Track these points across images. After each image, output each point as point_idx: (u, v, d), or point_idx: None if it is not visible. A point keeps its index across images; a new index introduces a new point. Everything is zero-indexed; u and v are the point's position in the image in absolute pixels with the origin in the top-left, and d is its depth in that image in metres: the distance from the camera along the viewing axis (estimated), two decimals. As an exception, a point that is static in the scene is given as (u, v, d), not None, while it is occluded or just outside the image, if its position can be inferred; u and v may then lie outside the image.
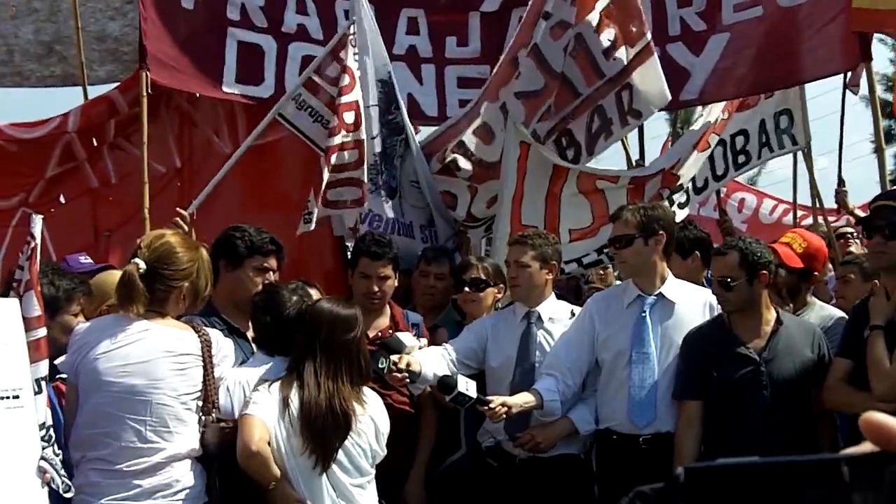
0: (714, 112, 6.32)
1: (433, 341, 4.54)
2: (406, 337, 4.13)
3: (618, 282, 5.47)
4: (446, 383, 3.91)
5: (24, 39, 6.89)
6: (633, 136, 7.15)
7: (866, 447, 0.66)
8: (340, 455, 3.43)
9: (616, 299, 4.34)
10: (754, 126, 6.46)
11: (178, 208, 4.91)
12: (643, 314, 4.19)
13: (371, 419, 3.52)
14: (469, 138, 5.61)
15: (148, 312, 3.37)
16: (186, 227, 4.57)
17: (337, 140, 5.15)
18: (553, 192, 5.59)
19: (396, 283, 4.59)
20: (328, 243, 5.96)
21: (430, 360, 4.09)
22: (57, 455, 3.12)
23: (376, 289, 4.44)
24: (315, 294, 3.94)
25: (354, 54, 5.31)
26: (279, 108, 5.44)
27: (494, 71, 5.76)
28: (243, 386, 3.52)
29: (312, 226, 5.09)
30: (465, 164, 5.58)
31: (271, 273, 4.05)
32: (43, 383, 3.14)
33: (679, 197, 5.97)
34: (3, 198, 5.75)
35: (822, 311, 4.73)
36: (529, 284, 4.35)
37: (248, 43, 6.00)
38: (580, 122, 5.67)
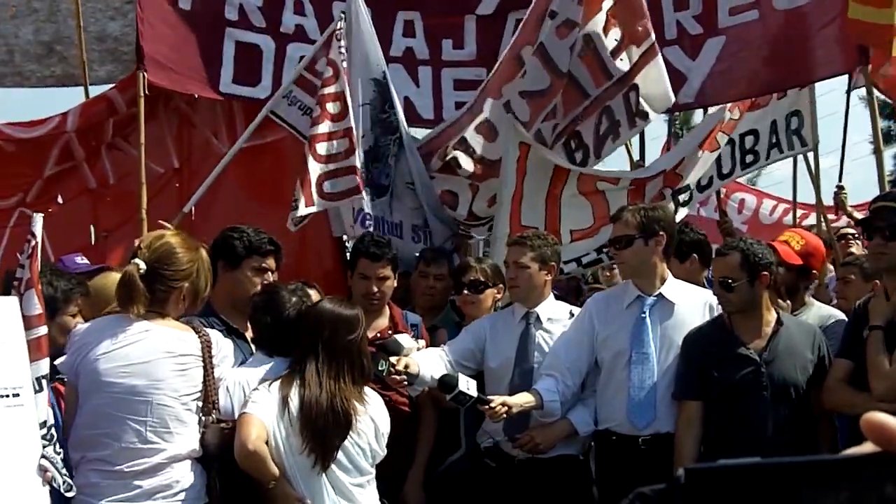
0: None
1: (434, 342, 4.54)
2: (404, 339, 4.13)
3: (624, 283, 5.46)
4: (447, 382, 3.91)
5: (24, 40, 6.90)
6: (634, 137, 7.15)
7: (868, 448, 0.65)
8: (340, 454, 3.43)
9: (616, 299, 4.34)
10: (765, 126, 6.43)
11: (160, 220, 4.87)
12: (643, 315, 4.18)
13: (371, 419, 3.52)
14: (471, 135, 5.61)
15: (148, 313, 3.36)
16: None
17: (322, 129, 5.14)
18: (553, 193, 5.58)
19: (395, 284, 4.59)
20: (327, 244, 5.96)
21: (427, 361, 4.09)
22: (58, 454, 3.11)
23: (375, 289, 4.43)
24: (314, 295, 3.94)
25: (340, 48, 5.30)
26: (271, 106, 5.44)
27: (495, 69, 5.75)
28: (243, 386, 3.52)
29: (299, 212, 5.02)
30: (466, 161, 5.57)
31: (270, 273, 4.05)
32: (44, 381, 3.13)
33: (683, 196, 5.95)
34: (2, 198, 5.75)
35: (820, 311, 4.73)
36: (528, 285, 4.35)
37: (247, 43, 6.00)
38: (589, 124, 5.67)
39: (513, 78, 5.60)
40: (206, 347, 3.40)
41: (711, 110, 6.43)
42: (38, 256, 3.22)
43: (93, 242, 5.86)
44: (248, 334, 3.95)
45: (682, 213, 5.92)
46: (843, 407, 3.94)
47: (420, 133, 6.48)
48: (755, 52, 6.10)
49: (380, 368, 3.85)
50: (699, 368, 4.03)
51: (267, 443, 3.35)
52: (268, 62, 6.03)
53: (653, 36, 5.53)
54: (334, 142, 5.20)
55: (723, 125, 6.17)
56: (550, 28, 5.50)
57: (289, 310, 3.69)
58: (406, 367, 3.93)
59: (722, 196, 8.14)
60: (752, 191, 11.45)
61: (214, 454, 3.41)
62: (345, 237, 5.87)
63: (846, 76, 6.91)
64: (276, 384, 3.44)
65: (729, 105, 6.19)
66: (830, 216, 7.32)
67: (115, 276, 3.66)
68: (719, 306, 4.13)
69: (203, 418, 3.39)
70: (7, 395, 2.97)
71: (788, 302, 4.76)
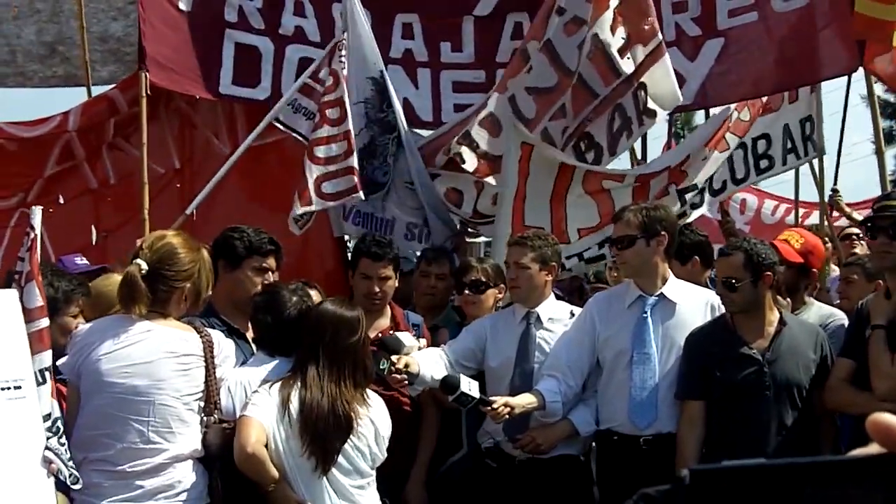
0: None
1: (435, 342, 4.54)
2: (405, 336, 4.12)
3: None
4: (450, 383, 3.90)
5: (27, 40, 6.91)
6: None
7: (873, 448, 0.65)
8: (340, 457, 3.43)
9: (617, 299, 4.34)
10: (777, 131, 6.39)
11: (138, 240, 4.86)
12: (644, 315, 4.18)
13: (371, 422, 3.51)
14: (476, 130, 5.59)
15: (150, 313, 3.36)
16: None
17: (321, 133, 5.23)
18: (559, 193, 5.56)
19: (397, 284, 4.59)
20: (328, 244, 5.97)
21: (428, 361, 4.08)
22: (63, 445, 3.10)
23: (377, 289, 4.43)
24: (315, 295, 3.93)
25: (341, 58, 5.36)
26: (275, 114, 5.47)
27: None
28: (244, 386, 3.52)
29: (298, 211, 5.11)
30: (469, 156, 5.57)
31: (270, 273, 4.04)
32: (47, 374, 3.12)
33: (693, 197, 5.92)
34: (2, 198, 5.75)
35: (820, 311, 4.74)
36: (529, 286, 4.34)
37: (246, 45, 6.01)
38: (600, 122, 5.65)
39: (518, 72, 5.60)
40: (208, 347, 3.40)
41: (714, 111, 6.40)
42: (37, 249, 3.21)
43: (94, 242, 5.86)
44: (249, 334, 3.95)
45: (694, 215, 5.90)
46: (846, 406, 3.94)
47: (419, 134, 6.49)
48: (755, 54, 6.09)
49: (381, 367, 3.85)
50: (701, 368, 4.03)
51: (266, 445, 3.35)
52: (267, 64, 6.03)
53: (660, 35, 5.52)
54: (333, 145, 5.25)
55: (732, 125, 6.13)
56: (558, 25, 5.49)
57: (290, 309, 3.69)
58: (406, 366, 3.93)
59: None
60: (753, 191, 11.41)
61: (216, 454, 3.41)
62: (346, 237, 5.87)
63: (846, 77, 6.90)
64: (277, 386, 3.44)
65: (736, 105, 6.17)
66: (833, 214, 7.30)
67: (117, 278, 3.66)
68: (721, 306, 4.12)
69: (205, 418, 3.39)
70: (8, 388, 2.97)
71: (788, 300, 4.76)
